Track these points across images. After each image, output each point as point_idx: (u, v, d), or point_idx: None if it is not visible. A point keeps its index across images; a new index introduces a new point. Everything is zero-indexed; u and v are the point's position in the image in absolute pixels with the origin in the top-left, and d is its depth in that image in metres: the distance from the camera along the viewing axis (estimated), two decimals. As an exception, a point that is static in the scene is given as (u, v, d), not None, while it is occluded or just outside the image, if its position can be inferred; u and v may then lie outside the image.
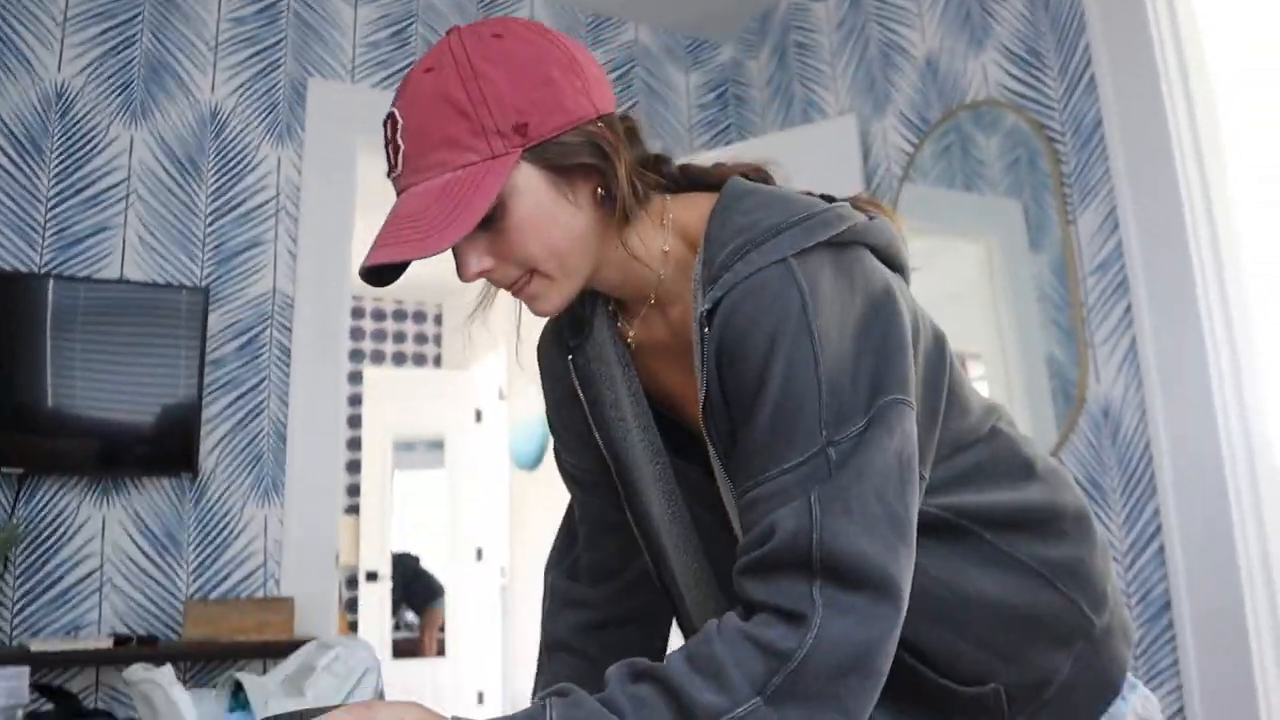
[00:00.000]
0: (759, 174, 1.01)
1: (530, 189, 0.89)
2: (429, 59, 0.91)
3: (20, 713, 0.66)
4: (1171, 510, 2.05)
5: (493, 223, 0.88)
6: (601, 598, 1.15)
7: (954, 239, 2.75)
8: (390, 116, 0.90)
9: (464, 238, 0.86)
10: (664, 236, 0.95)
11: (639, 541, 1.10)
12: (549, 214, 0.90)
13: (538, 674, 1.16)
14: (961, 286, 2.64)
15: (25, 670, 0.60)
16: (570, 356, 1.07)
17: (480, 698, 5.76)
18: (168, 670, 0.92)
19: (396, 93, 0.92)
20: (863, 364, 0.82)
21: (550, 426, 1.18)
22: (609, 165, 0.91)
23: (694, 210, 0.95)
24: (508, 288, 0.94)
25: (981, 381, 2.58)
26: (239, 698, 0.98)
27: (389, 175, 0.91)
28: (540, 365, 1.16)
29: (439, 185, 0.87)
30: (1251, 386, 2.02)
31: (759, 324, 0.82)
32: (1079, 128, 2.32)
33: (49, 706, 1.05)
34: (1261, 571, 1.95)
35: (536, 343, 1.15)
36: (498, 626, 5.57)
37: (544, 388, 1.16)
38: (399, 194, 0.90)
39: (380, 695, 0.96)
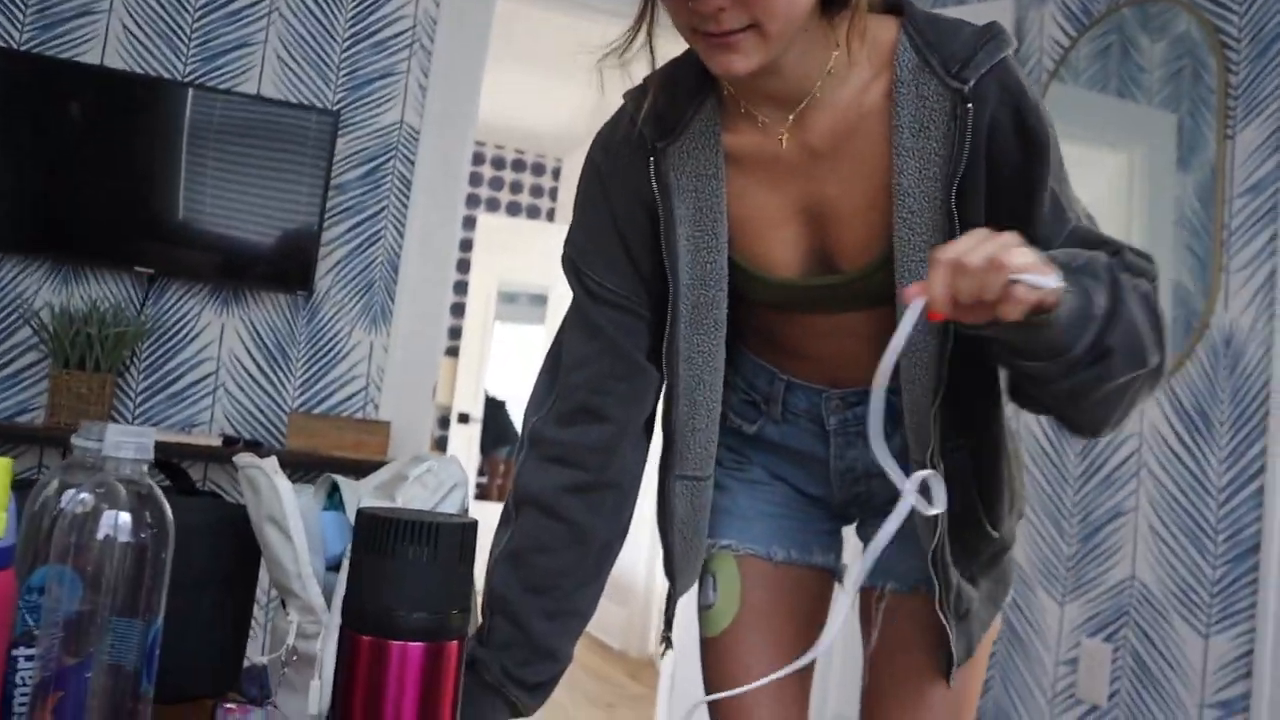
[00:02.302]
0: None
1: None
2: None
3: (145, 468, 0.72)
4: (1281, 452, 1.98)
5: None
6: (589, 453, 1.07)
7: (1097, 148, 2.62)
8: None
9: None
10: (835, 38, 0.95)
11: (664, 372, 1.08)
12: None
13: (501, 526, 1.09)
14: (1096, 200, 2.53)
15: (154, 431, 0.67)
16: (652, 159, 1.03)
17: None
18: (273, 461, 0.97)
19: None
20: None
21: (584, 237, 1.10)
22: None
23: (877, 23, 0.98)
24: (718, 35, 0.89)
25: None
26: (334, 498, 1.03)
27: None
28: (599, 165, 1.08)
29: None
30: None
31: (1027, 106, 0.93)
32: (1259, 34, 2.16)
33: (166, 482, 1.12)
34: (1367, 525, 1.89)
35: (594, 138, 1.09)
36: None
37: (595, 190, 1.09)
38: None
39: (466, 511, 1.01)
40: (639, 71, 1.01)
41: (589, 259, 1.09)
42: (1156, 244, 2.36)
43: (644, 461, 1.13)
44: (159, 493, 0.75)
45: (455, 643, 0.71)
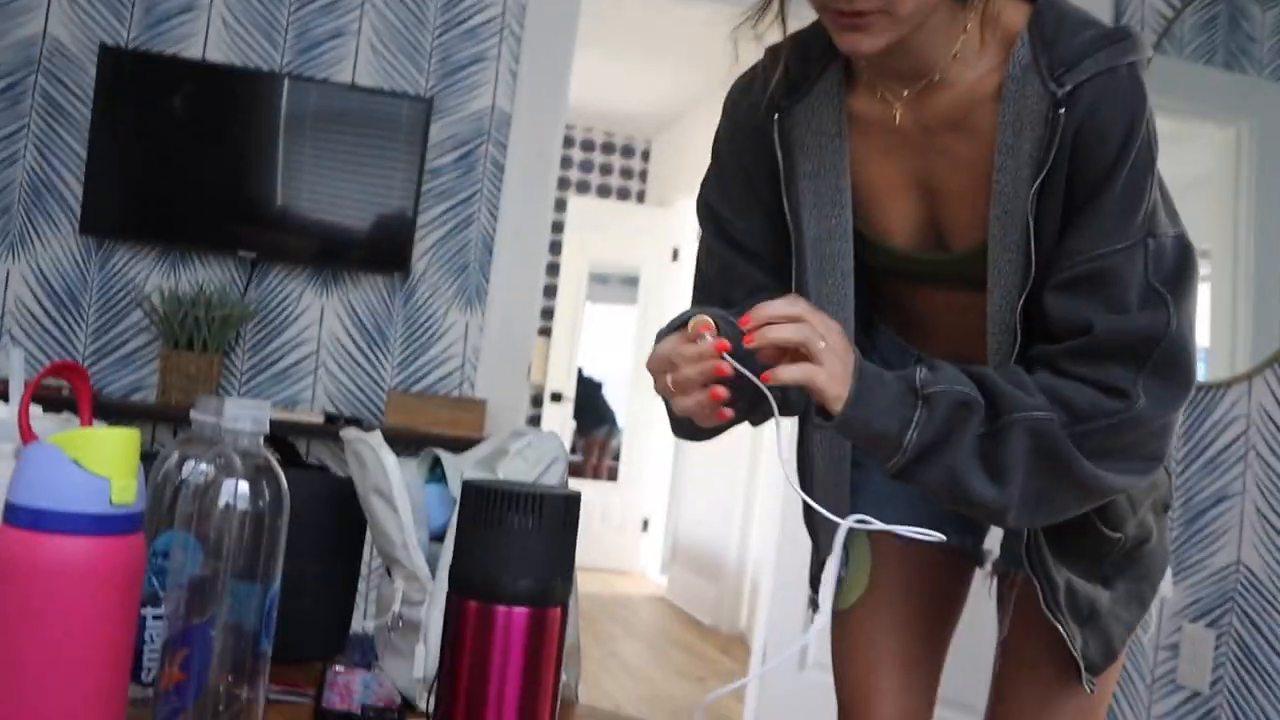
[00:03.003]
0: None
1: None
2: None
3: (260, 440, 0.75)
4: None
5: None
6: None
7: (1202, 122, 2.54)
8: None
9: None
10: (965, 22, 0.95)
11: None
12: None
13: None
14: (1201, 175, 2.45)
15: (269, 405, 0.70)
16: (777, 117, 1.06)
17: (645, 525, 6.06)
18: (378, 435, 1.01)
19: None
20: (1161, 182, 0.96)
21: (717, 184, 1.14)
22: None
23: (1011, 9, 0.97)
24: (851, 14, 0.91)
25: (1206, 282, 2.41)
26: (435, 472, 1.06)
27: None
28: (732, 117, 1.12)
29: None
30: None
31: (1119, 117, 0.91)
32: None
33: (275, 455, 1.17)
34: None
35: (730, 90, 1.13)
36: (669, 459, 5.77)
37: (727, 140, 1.13)
38: None
39: (565, 483, 1.03)
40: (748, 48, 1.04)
41: (721, 204, 1.13)
42: (1268, 219, 2.28)
43: None
44: (275, 463, 0.78)
45: (558, 609, 0.73)
